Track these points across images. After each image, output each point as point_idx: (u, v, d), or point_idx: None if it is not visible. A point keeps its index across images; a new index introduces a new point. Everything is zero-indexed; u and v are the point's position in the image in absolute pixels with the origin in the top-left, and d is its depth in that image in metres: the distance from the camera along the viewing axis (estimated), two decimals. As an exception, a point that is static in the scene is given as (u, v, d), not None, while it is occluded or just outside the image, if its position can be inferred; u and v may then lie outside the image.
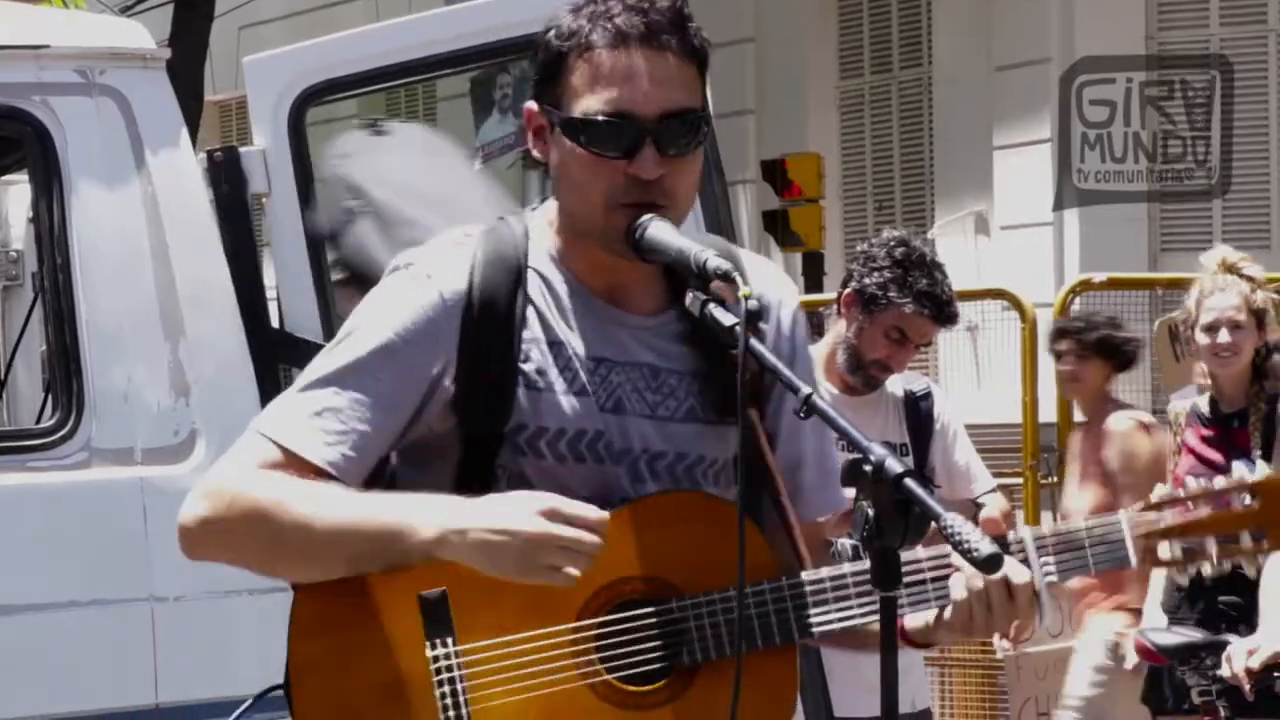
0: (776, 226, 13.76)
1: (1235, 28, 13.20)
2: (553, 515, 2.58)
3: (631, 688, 2.70)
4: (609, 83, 2.71)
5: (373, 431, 2.71)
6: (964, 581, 2.70)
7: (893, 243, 5.15)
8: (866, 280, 5.11)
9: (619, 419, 2.78)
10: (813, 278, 13.52)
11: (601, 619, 2.69)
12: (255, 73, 4.78)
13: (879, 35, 14.66)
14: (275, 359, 4.66)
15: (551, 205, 2.82)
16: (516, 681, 2.66)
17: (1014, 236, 13.33)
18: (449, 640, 2.67)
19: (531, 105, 2.79)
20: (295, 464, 2.68)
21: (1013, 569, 2.69)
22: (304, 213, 4.56)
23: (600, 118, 2.70)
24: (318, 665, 2.70)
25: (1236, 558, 2.79)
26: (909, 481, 2.51)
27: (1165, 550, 2.76)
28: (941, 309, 5.12)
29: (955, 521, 2.49)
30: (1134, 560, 2.77)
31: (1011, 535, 2.75)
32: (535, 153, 2.80)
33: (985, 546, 2.46)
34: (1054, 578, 2.78)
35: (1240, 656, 5.25)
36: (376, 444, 2.73)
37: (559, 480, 2.74)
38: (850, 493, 4.87)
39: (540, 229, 2.82)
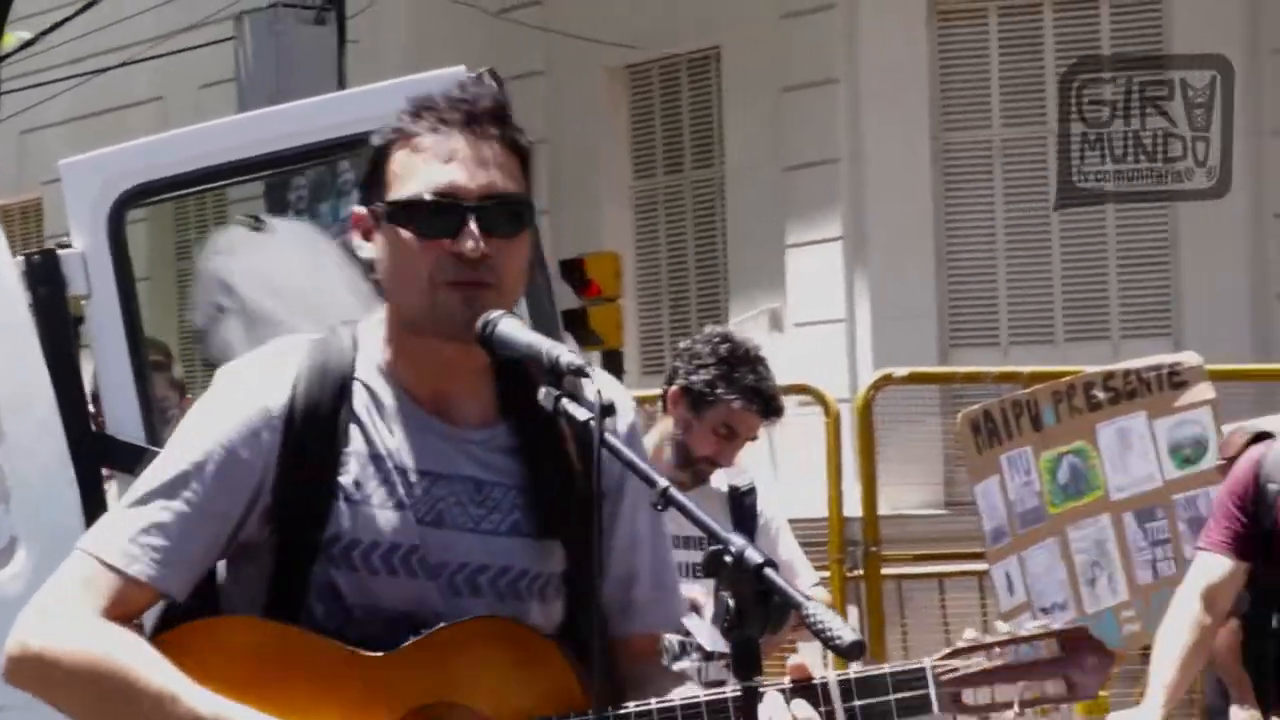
0: (576, 325, 13.80)
1: (1015, 129, 13.53)
2: None
3: None
4: (430, 165, 2.74)
5: (198, 545, 2.73)
6: None
7: (717, 339, 5.19)
8: (693, 377, 5.14)
9: (438, 533, 2.77)
10: (612, 376, 13.53)
11: None
12: (72, 175, 4.74)
13: (671, 135, 14.80)
14: (97, 463, 4.60)
15: (380, 315, 2.82)
16: None
17: (808, 333, 13.50)
18: None
19: (357, 209, 2.79)
20: (123, 582, 2.69)
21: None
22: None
23: (424, 197, 2.72)
24: None
25: (1041, 705, 2.77)
26: (769, 571, 2.52)
27: (970, 697, 2.74)
28: (768, 404, 5.17)
29: (816, 610, 2.52)
30: (936, 707, 2.75)
31: (816, 677, 2.70)
32: (363, 255, 2.80)
33: (848, 635, 2.49)
34: None
35: None
36: (201, 556, 2.75)
37: (369, 592, 2.74)
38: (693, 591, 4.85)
39: (369, 340, 2.82)
